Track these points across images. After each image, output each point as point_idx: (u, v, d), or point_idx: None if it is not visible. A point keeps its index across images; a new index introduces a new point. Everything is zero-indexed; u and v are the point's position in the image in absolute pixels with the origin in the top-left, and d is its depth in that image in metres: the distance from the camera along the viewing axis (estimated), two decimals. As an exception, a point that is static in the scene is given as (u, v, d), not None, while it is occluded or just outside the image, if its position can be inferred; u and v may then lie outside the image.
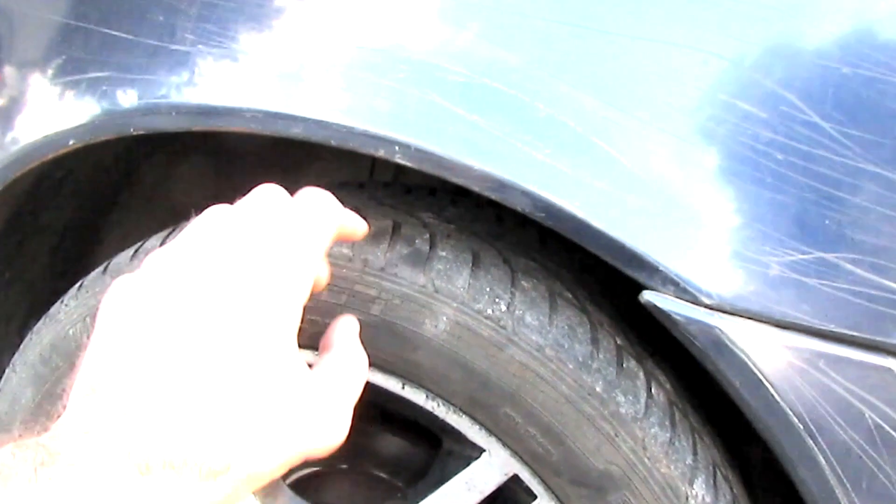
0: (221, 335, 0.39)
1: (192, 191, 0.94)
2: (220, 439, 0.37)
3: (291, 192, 0.48)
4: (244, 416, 0.38)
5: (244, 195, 0.47)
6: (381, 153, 0.55)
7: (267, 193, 0.47)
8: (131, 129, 0.62)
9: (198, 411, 0.37)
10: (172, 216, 0.76)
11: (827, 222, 0.52)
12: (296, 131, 0.57)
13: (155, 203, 0.95)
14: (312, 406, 0.41)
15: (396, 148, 0.54)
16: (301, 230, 0.45)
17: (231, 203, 0.47)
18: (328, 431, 0.42)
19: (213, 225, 0.45)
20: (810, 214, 0.53)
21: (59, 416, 0.37)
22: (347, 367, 0.45)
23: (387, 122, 0.55)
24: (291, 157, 0.99)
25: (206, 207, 0.50)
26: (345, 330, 0.47)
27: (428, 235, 0.61)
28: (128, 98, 0.63)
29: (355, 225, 0.49)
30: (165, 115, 0.61)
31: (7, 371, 0.76)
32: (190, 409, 0.37)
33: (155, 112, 0.61)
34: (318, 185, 0.49)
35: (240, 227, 0.44)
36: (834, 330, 0.52)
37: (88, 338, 0.40)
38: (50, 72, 0.68)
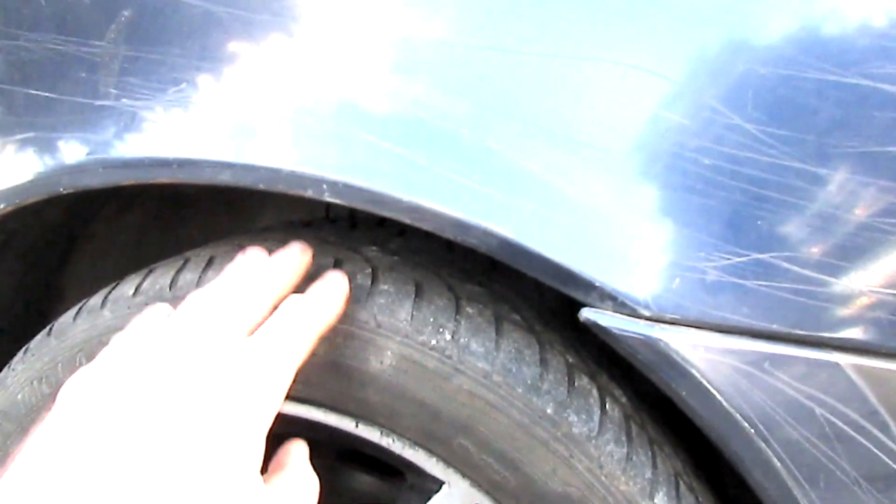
0: (170, 457, 0.38)
1: (143, 240, 0.93)
2: None
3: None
4: None
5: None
6: (309, 193, 0.55)
7: (247, 284, 0.49)
8: (60, 189, 0.61)
9: None
10: (124, 268, 0.75)
11: (759, 223, 0.53)
12: (223, 178, 0.57)
13: (107, 256, 0.94)
14: None
15: (324, 186, 0.54)
16: (272, 353, 0.46)
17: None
18: None
19: (183, 331, 0.45)
20: (742, 216, 0.53)
21: None
22: (299, 490, 0.47)
23: (314, 161, 0.55)
24: (245, 198, 0.99)
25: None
26: (296, 453, 0.49)
27: (370, 270, 0.61)
28: (55, 158, 0.62)
29: (334, 316, 0.52)
30: (93, 172, 0.60)
31: (-41, 442, 0.74)
32: None
33: (82, 170, 0.61)
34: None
35: (206, 340, 0.45)
36: (776, 330, 0.52)
37: (44, 412, 0.39)
38: (-22, 137, 0.67)
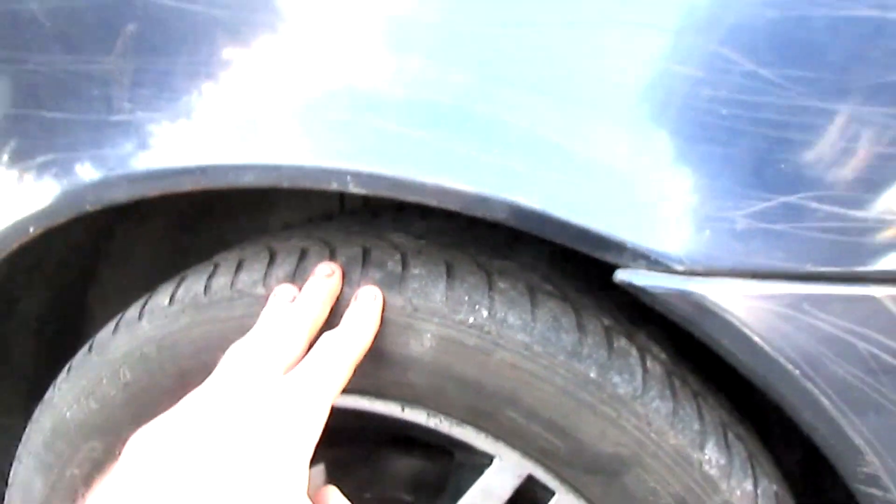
0: (228, 489, 0.43)
1: (162, 250, 0.94)
2: None
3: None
4: None
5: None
6: (334, 185, 0.55)
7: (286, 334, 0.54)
8: (87, 207, 0.62)
9: None
10: (151, 281, 0.75)
11: (783, 166, 0.53)
12: (247, 179, 0.57)
13: (131, 270, 0.95)
14: None
15: (348, 177, 0.54)
16: (315, 382, 0.51)
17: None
18: None
19: (231, 385, 0.50)
20: (765, 161, 0.53)
21: None
22: None
23: (335, 154, 0.55)
24: (259, 199, 0.99)
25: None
26: (333, 493, 0.52)
27: (399, 256, 0.61)
28: (78, 176, 0.63)
29: (368, 342, 0.55)
30: (117, 187, 0.61)
31: (14, 464, 0.76)
32: None
33: (107, 185, 0.61)
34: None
35: (248, 387, 0.50)
36: (811, 270, 0.52)
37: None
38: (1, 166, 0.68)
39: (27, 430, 0.76)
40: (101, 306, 0.97)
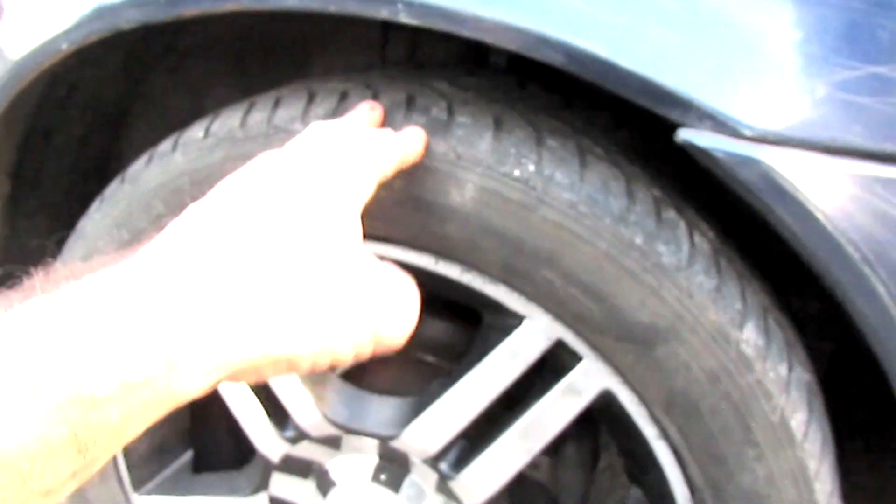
0: (299, 236, 0.43)
1: (202, 93, 0.91)
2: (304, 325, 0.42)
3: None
4: (332, 303, 0.44)
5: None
6: (384, 13, 0.51)
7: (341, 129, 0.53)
8: (123, 24, 0.59)
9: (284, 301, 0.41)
10: (185, 120, 0.73)
11: (879, 32, 0.48)
12: (291, 3, 0.53)
13: (167, 109, 0.92)
14: (387, 295, 0.49)
15: (399, 6, 0.51)
16: (366, 150, 0.50)
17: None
18: (399, 319, 0.50)
19: (307, 146, 0.50)
20: (860, 26, 0.48)
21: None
22: (399, 276, 0.51)
23: (386, -21, 0.51)
24: (298, 49, 0.95)
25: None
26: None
27: (445, 104, 0.58)
28: (114, -9, 0.59)
29: (415, 149, 0.54)
30: (154, 5, 0.57)
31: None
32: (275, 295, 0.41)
33: (143, 3, 0.58)
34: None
35: (318, 149, 0.49)
36: (891, 150, 0.48)
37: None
38: (31, -23, 0.65)
39: (59, 258, 0.76)
40: (133, 148, 0.95)
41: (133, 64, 0.85)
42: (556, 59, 0.49)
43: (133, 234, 0.68)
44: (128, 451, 0.77)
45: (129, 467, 0.78)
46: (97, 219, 0.71)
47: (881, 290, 0.50)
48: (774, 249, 0.55)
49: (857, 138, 0.48)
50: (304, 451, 0.72)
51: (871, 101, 0.48)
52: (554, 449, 0.72)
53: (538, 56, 0.49)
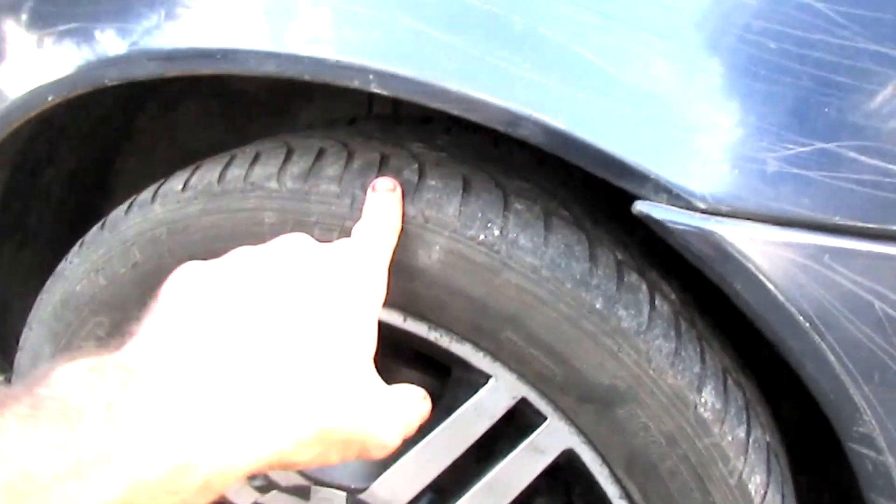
0: (311, 354, 0.43)
1: (192, 137, 0.93)
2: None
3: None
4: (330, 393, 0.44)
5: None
6: (356, 83, 0.53)
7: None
8: (106, 81, 0.61)
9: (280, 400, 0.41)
10: (174, 164, 0.75)
11: (827, 110, 0.50)
12: (268, 68, 0.55)
13: (157, 151, 0.94)
14: (378, 407, 0.48)
15: (370, 76, 0.53)
16: (368, 251, 0.52)
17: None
18: (392, 437, 0.50)
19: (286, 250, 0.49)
20: (808, 104, 0.50)
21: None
22: (407, 393, 0.52)
23: (359, 50, 0.53)
24: (287, 98, 0.97)
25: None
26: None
27: (417, 165, 0.60)
28: (98, 49, 0.61)
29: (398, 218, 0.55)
30: (137, 63, 0.59)
31: (25, 331, 0.78)
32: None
33: (127, 61, 0.60)
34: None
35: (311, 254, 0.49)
36: (838, 222, 0.50)
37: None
38: (21, 28, 0.67)
39: (38, 299, 0.77)
40: (122, 190, 0.97)
41: (122, 106, 0.87)
42: (520, 132, 0.51)
43: (110, 280, 0.69)
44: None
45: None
46: (76, 262, 0.72)
47: (832, 359, 0.51)
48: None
49: (805, 210, 0.50)
50: (274, 500, 0.72)
51: (819, 176, 0.50)
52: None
53: (502, 128, 0.51)
